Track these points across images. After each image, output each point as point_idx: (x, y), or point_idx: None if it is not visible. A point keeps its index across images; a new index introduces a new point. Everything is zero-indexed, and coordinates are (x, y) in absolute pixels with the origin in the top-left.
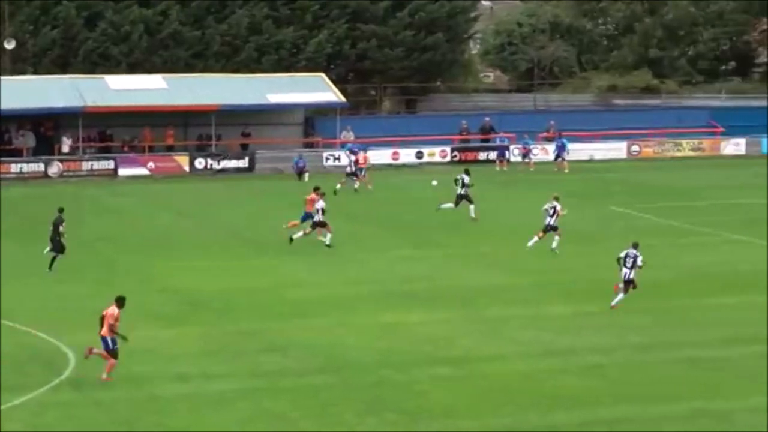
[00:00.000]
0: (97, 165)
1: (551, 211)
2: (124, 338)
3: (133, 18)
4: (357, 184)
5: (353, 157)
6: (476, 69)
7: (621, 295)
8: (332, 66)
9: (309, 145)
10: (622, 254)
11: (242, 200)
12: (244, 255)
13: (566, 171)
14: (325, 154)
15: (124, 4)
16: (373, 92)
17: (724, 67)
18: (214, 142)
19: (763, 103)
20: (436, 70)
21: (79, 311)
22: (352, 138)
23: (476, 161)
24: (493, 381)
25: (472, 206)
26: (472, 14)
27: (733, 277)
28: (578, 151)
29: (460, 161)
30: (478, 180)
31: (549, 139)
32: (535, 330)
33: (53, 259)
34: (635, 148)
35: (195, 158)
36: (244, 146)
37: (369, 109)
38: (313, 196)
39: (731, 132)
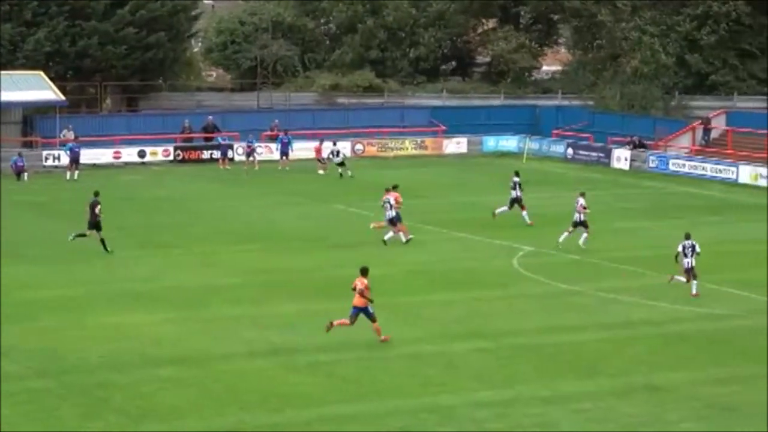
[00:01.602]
0: None
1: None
2: (371, 301)
3: None
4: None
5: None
6: (199, 67)
7: (683, 280)
8: (51, 64)
9: (28, 145)
10: (680, 248)
11: None
12: None
13: (287, 168)
14: (44, 154)
15: None
16: (93, 90)
17: (444, 67)
18: None
19: (483, 102)
20: (158, 69)
21: None
22: (72, 137)
23: (200, 160)
24: (220, 381)
25: (524, 212)
26: (194, 12)
27: (455, 274)
28: (303, 150)
29: (183, 160)
30: (201, 179)
31: (273, 138)
32: (261, 329)
33: (102, 240)
34: (359, 146)
35: None
36: None
37: (90, 108)
38: (392, 194)
39: (453, 131)
